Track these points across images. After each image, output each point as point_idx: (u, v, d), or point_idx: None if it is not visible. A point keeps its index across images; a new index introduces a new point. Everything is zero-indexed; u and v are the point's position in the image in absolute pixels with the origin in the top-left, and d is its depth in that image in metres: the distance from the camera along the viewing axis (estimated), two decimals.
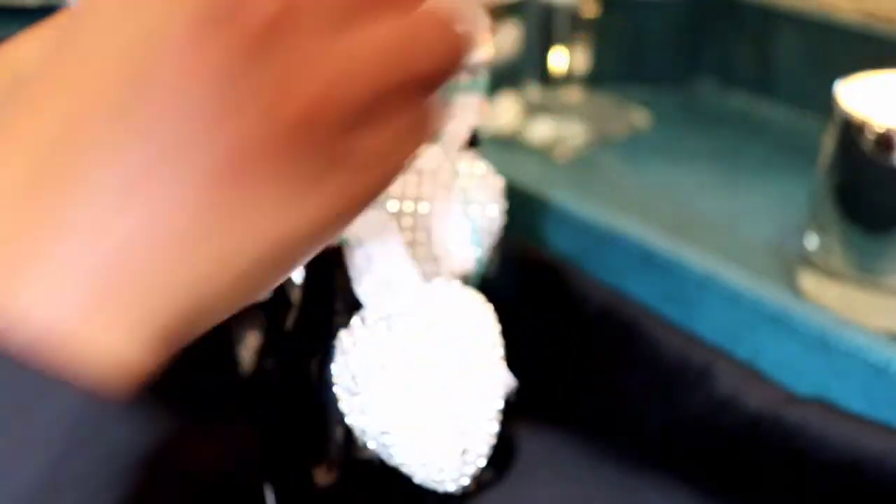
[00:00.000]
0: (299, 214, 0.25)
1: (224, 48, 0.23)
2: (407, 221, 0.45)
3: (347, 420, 0.35)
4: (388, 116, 0.26)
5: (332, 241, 0.28)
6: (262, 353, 0.56)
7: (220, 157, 0.23)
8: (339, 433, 0.38)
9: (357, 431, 0.35)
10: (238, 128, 0.23)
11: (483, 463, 0.36)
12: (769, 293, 0.50)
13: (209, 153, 0.23)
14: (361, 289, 0.35)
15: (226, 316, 0.26)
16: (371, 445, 0.35)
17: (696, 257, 0.53)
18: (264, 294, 0.27)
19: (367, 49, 0.25)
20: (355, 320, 0.35)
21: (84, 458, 0.23)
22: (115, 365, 0.24)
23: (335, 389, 0.35)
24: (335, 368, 0.35)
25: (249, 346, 0.56)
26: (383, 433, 0.34)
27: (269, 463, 0.41)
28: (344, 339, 0.35)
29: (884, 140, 0.58)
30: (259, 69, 0.23)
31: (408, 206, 0.45)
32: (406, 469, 0.35)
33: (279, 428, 0.40)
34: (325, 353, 0.37)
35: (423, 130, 0.28)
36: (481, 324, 0.36)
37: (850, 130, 0.60)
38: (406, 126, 0.27)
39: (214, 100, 0.23)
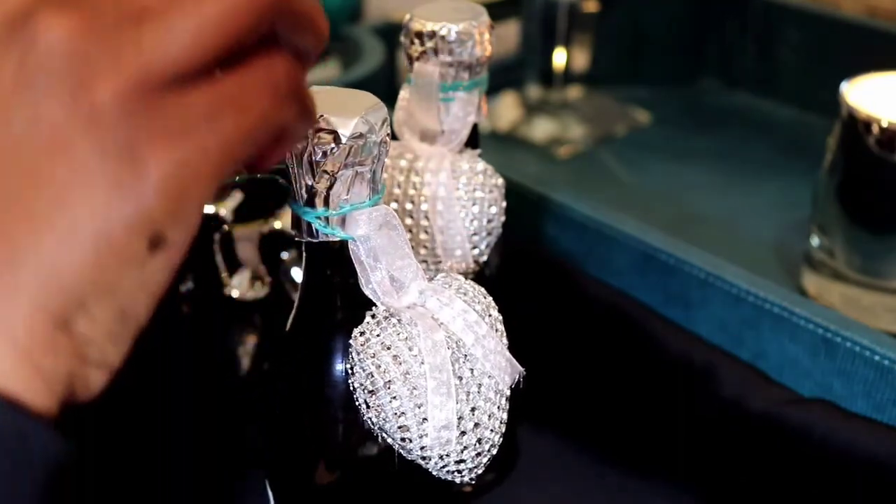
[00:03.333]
0: (139, 190, 0.25)
1: (13, 62, 0.25)
2: (407, 221, 0.45)
3: (365, 418, 0.35)
4: (229, 73, 0.27)
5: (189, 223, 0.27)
6: (261, 353, 0.56)
7: (45, 136, 0.25)
8: (339, 433, 0.38)
9: (375, 429, 0.35)
10: (52, 110, 0.24)
11: (496, 452, 0.36)
12: (772, 293, 0.50)
13: (37, 133, 0.25)
14: (370, 287, 0.35)
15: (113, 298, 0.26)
16: (389, 442, 0.35)
17: (698, 257, 0.53)
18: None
19: (182, 25, 0.26)
20: (367, 319, 0.35)
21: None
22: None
23: (352, 388, 0.35)
24: (350, 368, 0.35)
25: (248, 348, 0.56)
26: (401, 428, 0.34)
27: (269, 463, 0.41)
28: (357, 338, 0.35)
29: (889, 138, 0.58)
30: (67, 63, 0.24)
31: (408, 206, 0.44)
32: (424, 463, 0.35)
33: (279, 428, 0.39)
34: (326, 351, 0.37)
35: (266, 87, 0.28)
36: (486, 314, 0.36)
37: (855, 129, 0.59)
38: (245, 84, 0.27)
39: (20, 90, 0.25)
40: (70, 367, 0.25)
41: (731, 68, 0.98)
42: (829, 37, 0.89)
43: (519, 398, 0.37)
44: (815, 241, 0.64)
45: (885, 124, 0.58)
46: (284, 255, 0.56)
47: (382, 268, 0.35)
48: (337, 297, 0.37)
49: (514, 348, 0.37)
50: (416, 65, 0.44)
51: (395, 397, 0.34)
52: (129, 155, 0.25)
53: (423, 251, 0.45)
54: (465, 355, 0.35)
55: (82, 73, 0.25)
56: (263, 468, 0.41)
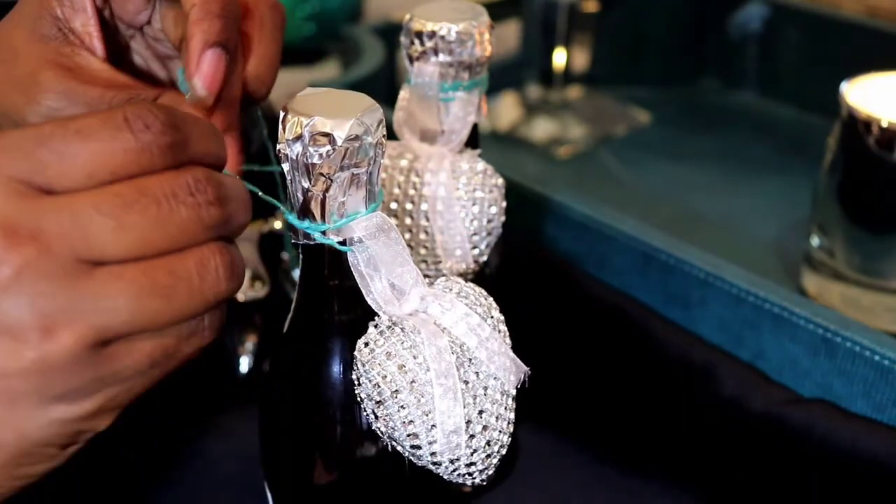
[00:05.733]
0: (60, 419, 0.30)
1: None
2: (407, 221, 0.45)
3: (374, 427, 0.35)
4: (154, 334, 0.30)
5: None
6: (260, 354, 0.56)
7: None
8: (336, 433, 0.38)
9: (384, 438, 0.35)
10: None
11: (504, 452, 0.36)
12: (772, 293, 0.50)
13: None
14: (371, 297, 0.35)
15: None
16: (399, 449, 0.35)
17: (698, 257, 0.53)
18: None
19: (115, 288, 0.29)
20: (370, 329, 0.35)
21: None
22: None
23: (359, 399, 0.35)
24: (356, 379, 0.35)
25: (248, 348, 0.56)
26: (410, 436, 0.34)
27: (267, 463, 0.41)
28: (361, 349, 0.35)
29: (888, 138, 0.58)
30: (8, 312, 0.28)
31: (408, 206, 0.44)
32: (435, 468, 0.35)
33: (277, 428, 0.40)
34: (323, 352, 0.37)
35: (196, 338, 0.32)
36: (488, 315, 0.36)
37: (855, 129, 0.59)
38: (170, 340, 0.31)
39: None
40: None
41: (731, 68, 0.98)
42: (829, 37, 0.89)
43: (520, 398, 0.37)
44: (815, 241, 0.64)
45: (885, 124, 0.58)
46: (284, 255, 0.56)
47: (382, 276, 0.35)
48: (334, 298, 0.37)
49: (514, 348, 0.37)
50: (416, 65, 0.44)
51: (402, 406, 0.34)
52: (72, 397, 0.29)
53: (423, 251, 0.45)
54: (470, 359, 0.35)
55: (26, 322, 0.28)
56: (262, 468, 0.41)
